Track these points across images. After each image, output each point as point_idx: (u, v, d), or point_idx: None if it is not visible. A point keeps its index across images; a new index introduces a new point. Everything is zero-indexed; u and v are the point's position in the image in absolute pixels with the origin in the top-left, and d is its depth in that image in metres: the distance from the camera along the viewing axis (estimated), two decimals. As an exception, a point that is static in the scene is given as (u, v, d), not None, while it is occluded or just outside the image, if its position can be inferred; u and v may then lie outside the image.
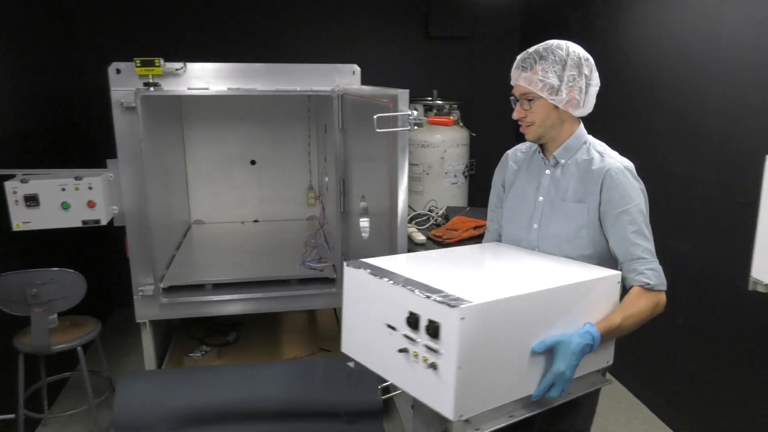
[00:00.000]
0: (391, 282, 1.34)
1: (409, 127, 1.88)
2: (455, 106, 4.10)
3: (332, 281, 3.08)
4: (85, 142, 3.82)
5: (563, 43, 1.58)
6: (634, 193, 1.55)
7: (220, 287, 3.00)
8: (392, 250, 2.06)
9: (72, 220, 2.68)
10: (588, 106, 1.60)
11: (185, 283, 2.98)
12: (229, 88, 2.82)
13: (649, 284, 1.50)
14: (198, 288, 2.99)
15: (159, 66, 2.67)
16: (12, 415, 2.12)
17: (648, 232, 1.56)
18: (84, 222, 2.70)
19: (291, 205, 4.06)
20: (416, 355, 1.26)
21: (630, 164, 1.60)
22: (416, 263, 1.62)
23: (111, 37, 3.97)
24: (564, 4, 4.02)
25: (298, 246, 3.47)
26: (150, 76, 2.69)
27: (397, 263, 1.51)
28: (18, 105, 3.05)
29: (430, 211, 3.44)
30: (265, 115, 3.90)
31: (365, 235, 2.50)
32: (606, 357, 1.53)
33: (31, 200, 2.60)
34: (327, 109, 3.23)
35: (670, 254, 2.96)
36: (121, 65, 2.70)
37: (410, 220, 3.23)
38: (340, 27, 4.34)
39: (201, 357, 3.21)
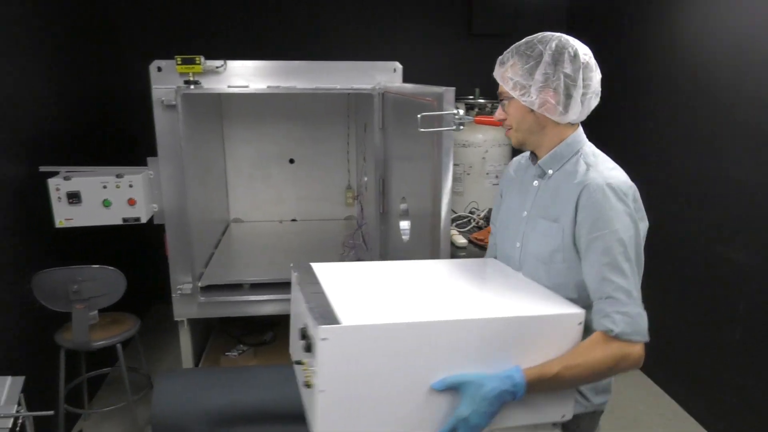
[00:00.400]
0: (302, 291, 1.31)
1: (454, 127, 1.80)
2: (498, 104, 3.98)
3: (370, 283, 3.02)
4: (127, 140, 3.86)
5: (552, 35, 1.38)
6: (615, 217, 1.26)
7: (257, 287, 2.97)
8: (434, 254, 1.98)
9: (113, 217, 2.69)
10: (573, 113, 1.38)
11: (223, 282, 2.96)
12: (268, 86, 2.79)
13: (612, 331, 1.22)
14: (236, 287, 2.97)
15: (199, 64, 2.66)
16: (51, 412, 2.13)
17: (628, 266, 1.25)
18: (124, 219, 2.70)
19: (329, 204, 4.02)
20: (305, 369, 1.18)
21: (618, 181, 1.30)
22: (359, 274, 1.52)
23: (153, 35, 4.01)
24: (614, -1, 3.86)
25: (336, 246, 3.42)
26: (190, 74, 2.67)
27: (337, 271, 1.47)
28: (62, 103, 3.10)
29: (471, 213, 3.35)
30: (304, 114, 3.87)
31: (405, 237, 2.43)
32: (561, 410, 1.31)
33: (74, 197, 2.62)
34: (367, 108, 3.17)
35: (726, 265, 2.79)
36: (162, 63, 2.70)
37: (451, 222, 3.14)
38: (381, 24, 4.28)
39: (238, 356, 3.19)
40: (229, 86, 2.77)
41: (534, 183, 1.48)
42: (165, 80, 2.71)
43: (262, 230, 3.91)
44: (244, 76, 2.79)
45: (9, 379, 2.20)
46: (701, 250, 3.00)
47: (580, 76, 1.35)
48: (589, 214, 1.29)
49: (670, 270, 3.22)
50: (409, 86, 2.27)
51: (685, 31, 3.11)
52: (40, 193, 2.65)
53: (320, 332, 1.08)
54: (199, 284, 2.89)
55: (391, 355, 1.14)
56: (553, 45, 1.36)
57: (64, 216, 2.65)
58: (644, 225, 1.32)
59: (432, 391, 1.17)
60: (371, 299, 1.33)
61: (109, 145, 3.64)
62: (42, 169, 2.75)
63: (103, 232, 2.83)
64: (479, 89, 3.94)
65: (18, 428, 2.13)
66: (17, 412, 2.12)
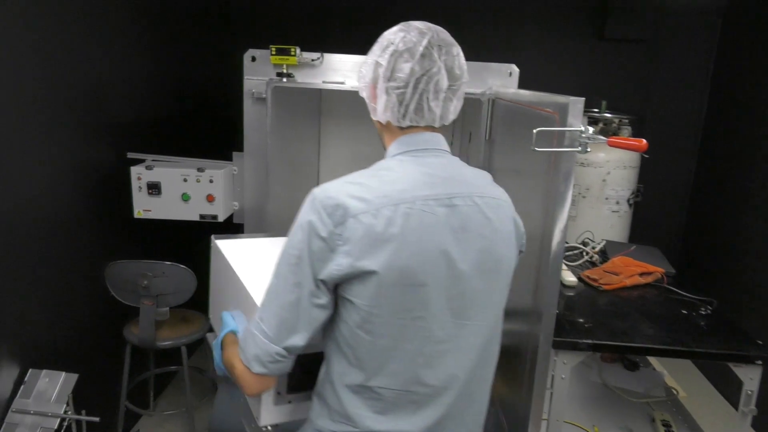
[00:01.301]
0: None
1: (578, 148, 1.41)
2: (626, 120, 3.46)
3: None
4: (220, 133, 3.76)
5: (408, 23, 1.14)
6: (295, 226, 1.09)
7: (333, 302, 2.71)
8: (539, 292, 1.60)
9: (190, 212, 2.54)
10: (380, 110, 1.14)
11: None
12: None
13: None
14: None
15: (294, 55, 2.43)
16: (96, 418, 1.99)
17: (272, 281, 1.10)
18: (201, 216, 2.55)
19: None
20: None
21: (323, 188, 1.09)
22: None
23: (261, 24, 3.88)
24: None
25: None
26: (284, 66, 2.46)
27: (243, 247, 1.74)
28: (158, 89, 3.02)
29: (584, 244, 2.88)
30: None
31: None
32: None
33: (154, 188, 2.50)
34: (474, 114, 2.81)
35: None
36: (257, 53, 2.51)
37: (559, 254, 2.70)
38: (497, 20, 3.89)
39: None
40: (324, 81, 2.53)
41: None
42: (258, 71, 2.53)
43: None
44: (341, 71, 2.54)
45: (62, 375, 2.09)
46: None
47: (388, 65, 1.11)
48: None
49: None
50: (525, 93, 1.90)
51: None
52: (125, 180, 2.56)
53: None
54: (273, 292, 2.68)
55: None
56: (389, 32, 1.15)
57: (143, 207, 2.53)
58: (335, 258, 1.04)
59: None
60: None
61: (202, 137, 3.55)
62: (130, 155, 2.66)
63: (181, 226, 2.70)
64: (606, 102, 3.44)
65: (64, 429, 2.01)
66: (64, 413, 2.00)
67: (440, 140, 1.18)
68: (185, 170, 2.49)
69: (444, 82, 1.11)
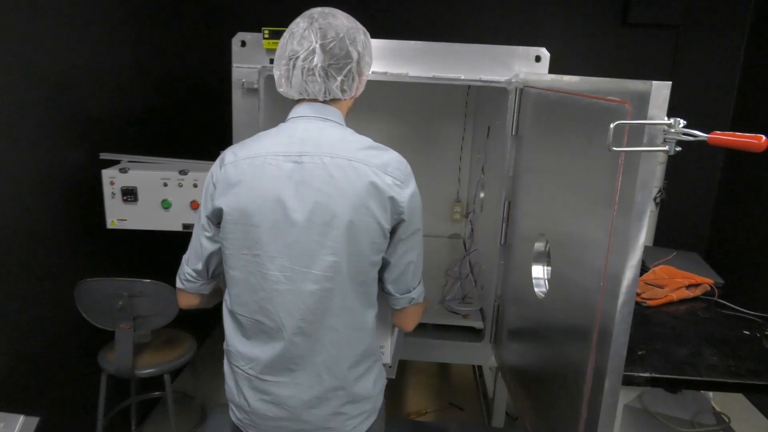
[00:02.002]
0: None
1: (666, 148, 1.10)
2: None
3: (478, 333, 2.35)
4: (208, 129, 3.41)
5: (311, 10, 1.31)
6: None
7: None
8: (601, 340, 1.29)
9: (172, 222, 2.21)
10: (277, 86, 1.35)
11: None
12: (372, 72, 2.18)
13: None
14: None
15: (290, 38, 2.10)
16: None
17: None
18: (185, 226, 2.22)
19: (432, 217, 3.34)
20: None
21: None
22: None
23: (241, 3, 3.52)
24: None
25: (437, 273, 2.78)
26: (278, 51, 2.13)
27: None
28: (139, 80, 2.67)
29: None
30: (411, 108, 3.23)
31: (540, 292, 1.74)
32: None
33: (129, 194, 2.16)
34: (493, 105, 2.49)
35: None
36: (248, 36, 2.17)
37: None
38: (514, 5, 3.56)
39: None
40: (324, 69, 2.19)
41: None
42: (249, 58, 2.19)
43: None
44: (343, 57, 2.20)
45: (21, 419, 1.76)
46: None
47: (280, 46, 1.31)
48: None
49: None
50: (572, 79, 1.58)
51: None
52: (98, 185, 2.22)
53: None
54: (268, 311, 2.36)
55: None
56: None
57: (117, 216, 2.20)
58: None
59: None
60: None
61: (189, 134, 3.19)
62: (103, 156, 2.33)
63: (162, 238, 2.37)
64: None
65: (21, 487, 1.68)
66: (21, 468, 1.67)
67: (321, 109, 1.30)
68: (165, 173, 2.16)
69: (317, 61, 1.24)
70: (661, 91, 1.11)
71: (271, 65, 2.15)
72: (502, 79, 2.14)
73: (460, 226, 3.37)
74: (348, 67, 1.28)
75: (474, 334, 2.36)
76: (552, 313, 1.66)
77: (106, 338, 2.28)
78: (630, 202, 1.16)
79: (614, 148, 1.09)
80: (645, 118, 1.13)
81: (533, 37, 2.90)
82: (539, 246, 1.79)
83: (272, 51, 2.14)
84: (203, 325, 3.45)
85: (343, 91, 1.30)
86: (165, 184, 2.16)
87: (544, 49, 2.16)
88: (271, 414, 1.34)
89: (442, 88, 3.15)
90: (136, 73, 2.65)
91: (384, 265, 1.34)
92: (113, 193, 2.17)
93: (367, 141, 1.32)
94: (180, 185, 2.16)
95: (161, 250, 2.75)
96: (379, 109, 3.24)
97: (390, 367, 1.60)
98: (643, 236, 1.17)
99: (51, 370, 2.19)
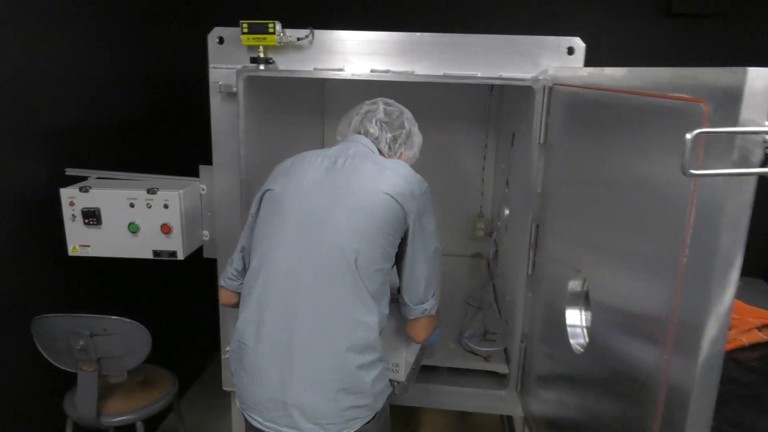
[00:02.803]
0: None
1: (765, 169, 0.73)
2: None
3: (502, 378, 1.98)
4: (187, 140, 2.89)
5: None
6: None
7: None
8: (668, 407, 0.92)
9: (141, 248, 1.90)
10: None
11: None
12: (372, 71, 1.85)
13: None
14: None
15: (273, 33, 1.78)
16: None
17: None
18: (156, 253, 1.91)
19: (451, 235, 2.97)
20: None
21: None
22: None
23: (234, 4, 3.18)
24: None
25: (455, 301, 2.41)
26: (260, 49, 1.81)
27: None
28: (110, 87, 2.38)
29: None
30: (425, 112, 2.82)
31: (577, 345, 1.37)
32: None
33: (91, 217, 1.87)
34: (519, 108, 2.12)
35: None
36: (226, 32, 1.86)
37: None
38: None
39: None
40: (316, 68, 1.86)
41: None
42: (228, 57, 1.88)
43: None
44: (339, 53, 1.87)
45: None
46: None
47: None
48: None
49: None
50: (617, 72, 1.20)
51: None
52: (60, 205, 1.93)
53: None
54: (255, 350, 2.04)
55: None
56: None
57: (79, 241, 1.91)
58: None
59: None
60: None
61: (166, 146, 2.76)
62: (69, 172, 2.04)
63: (131, 266, 2.07)
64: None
65: None
66: None
67: (364, 140, 1.55)
68: (131, 192, 1.86)
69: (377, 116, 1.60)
70: (758, 82, 0.74)
71: (251, 65, 1.83)
72: (527, 76, 1.77)
73: (483, 244, 2.99)
74: (395, 130, 1.60)
75: (497, 379, 1.99)
76: (593, 370, 1.29)
77: (74, 381, 1.99)
78: (711, 246, 0.79)
79: (693, 171, 0.72)
80: (732, 123, 0.76)
81: (562, 29, 2.52)
82: (575, 285, 1.41)
83: (253, 48, 1.82)
84: (192, 361, 3.12)
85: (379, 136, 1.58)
86: (131, 205, 1.86)
87: (578, 38, 1.79)
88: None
89: (459, 89, 2.79)
90: (110, 77, 2.36)
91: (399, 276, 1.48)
92: (74, 216, 1.87)
93: (387, 163, 1.50)
94: (148, 206, 1.85)
95: (130, 281, 2.45)
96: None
97: (405, 384, 1.65)
98: (731, 296, 0.80)
99: (11, 414, 1.90)
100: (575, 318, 1.42)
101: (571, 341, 1.39)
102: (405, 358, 1.63)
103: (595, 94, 1.31)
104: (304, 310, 1.34)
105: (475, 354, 2.02)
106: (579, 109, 1.47)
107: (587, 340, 1.35)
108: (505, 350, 2.06)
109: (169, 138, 2.71)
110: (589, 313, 1.37)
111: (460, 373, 2.02)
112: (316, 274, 1.34)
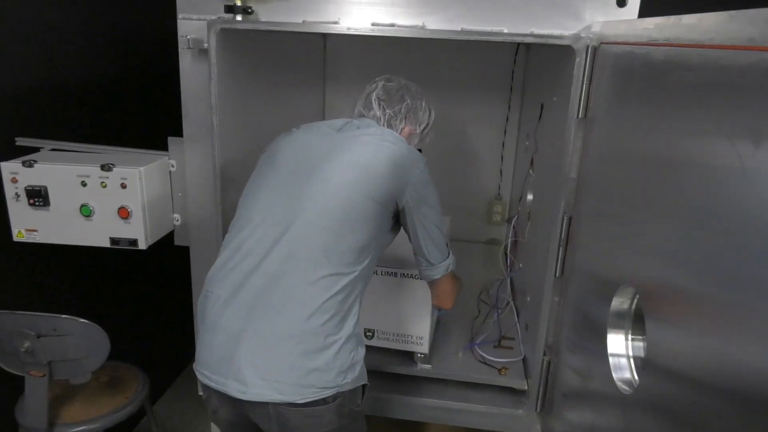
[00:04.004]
0: None
1: None
2: None
3: (520, 395, 1.68)
4: (159, 108, 2.58)
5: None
6: None
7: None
8: None
9: (96, 234, 1.61)
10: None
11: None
12: (374, 24, 1.51)
13: None
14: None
15: (252, -26, 1.44)
16: None
17: None
18: (114, 241, 1.61)
19: (464, 217, 2.62)
20: None
21: None
22: None
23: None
24: None
25: (467, 297, 2.09)
26: (236, -5, 1.48)
27: None
28: (58, 47, 2.04)
29: None
30: (437, 76, 2.49)
31: (622, 383, 1.05)
32: None
33: (37, 197, 1.57)
34: (552, 73, 1.77)
35: None
36: (198, -25, 1.53)
37: None
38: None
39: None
40: (305, 21, 1.53)
41: None
42: (200, 6, 1.55)
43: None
44: (335, 2, 1.53)
45: None
46: None
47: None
48: None
49: None
50: (704, 20, 0.85)
51: None
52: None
53: None
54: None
55: None
56: None
57: (25, 225, 1.62)
58: None
59: None
60: None
61: (136, 115, 2.33)
62: (19, 142, 1.74)
63: (88, 255, 1.77)
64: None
65: None
66: None
67: (368, 122, 1.49)
68: (83, 168, 1.56)
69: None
70: None
71: (226, 15, 1.50)
72: (567, 33, 1.42)
73: (500, 230, 2.67)
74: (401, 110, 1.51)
75: (514, 395, 1.70)
76: (648, 419, 0.98)
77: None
78: None
79: None
80: None
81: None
82: (621, 303, 1.10)
83: (228, -6, 1.49)
84: (166, 362, 2.73)
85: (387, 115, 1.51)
86: (83, 184, 1.56)
87: (632, -16, 1.43)
88: None
89: (479, 50, 2.43)
90: (71, 31, 2.03)
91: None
92: (17, 194, 1.58)
93: (384, 133, 1.44)
94: (103, 185, 1.55)
95: (91, 272, 2.12)
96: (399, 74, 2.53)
97: (427, 355, 1.72)
98: None
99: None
100: (619, 345, 1.11)
101: (615, 376, 1.08)
102: (429, 330, 1.69)
103: (663, 52, 0.97)
104: (277, 261, 1.26)
105: (488, 365, 1.73)
106: (636, 73, 1.12)
107: (637, 379, 1.04)
108: (524, 360, 1.76)
109: (141, 104, 2.36)
110: (642, 342, 1.05)
111: (471, 386, 1.72)
112: (294, 229, 1.28)
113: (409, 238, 1.44)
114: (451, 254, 1.49)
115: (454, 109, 2.49)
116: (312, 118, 2.57)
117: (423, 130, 1.54)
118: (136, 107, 2.32)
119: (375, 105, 1.49)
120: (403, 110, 1.49)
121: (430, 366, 1.73)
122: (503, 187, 2.60)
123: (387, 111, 1.48)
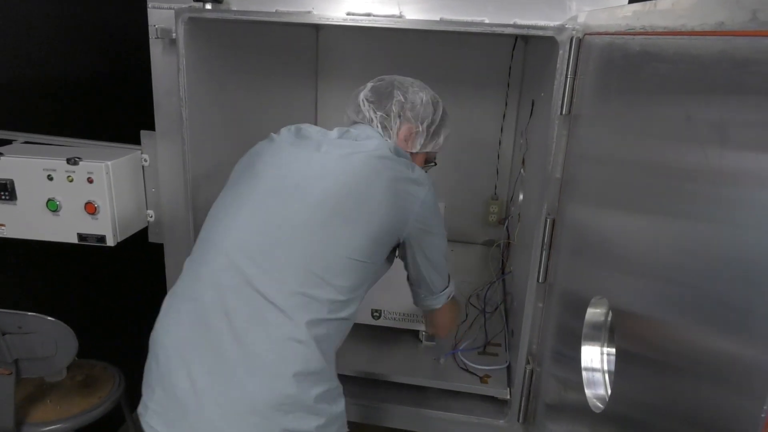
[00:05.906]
0: None
1: None
2: None
3: (502, 404, 1.61)
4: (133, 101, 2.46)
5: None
6: None
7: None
8: None
9: (63, 230, 1.56)
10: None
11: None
12: (349, 13, 1.43)
13: None
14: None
15: (222, -39, 1.38)
16: None
17: None
18: (81, 237, 1.56)
19: (461, 218, 2.54)
20: None
21: None
22: None
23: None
24: None
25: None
26: (207, -18, 1.42)
27: None
28: (33, 37, 2.00)
29: None
30: (430, 69, 2.39)
31: (594, 399, 0.98)
32: None
33: (3, 190, 1.53)
34: (540, 68, 1.69)
35: None
36: (169, -39, 1.47)
37: None
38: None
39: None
40: (278, 10, 1.46)
41: None
42: (174, -6, 1.49)
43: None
44: (312, -9, 1.46)
45: None
46: None
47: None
48: None
49: None
50: (686, 4, 0.77)
51: None
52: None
53: None
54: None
55: None
56: None
57: (-7, 219, 1.58)
58: None
59: None
60: None
61: (113, 108, 2.25)
62: (-7, 133, 1.71)
63: (56, 251, 1.72)
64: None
65: None
66: None
67: (364, 128, 1.37)
68: (49, 161, 1.51)
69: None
70: None
71: (196, 4, 1.44)
72: (551, 23, 1.34)
73: (497, 231, 2.58)
74: (393, 110, 1.38)
75: (496, 405, 1.62)
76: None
77: None
78: None
79: None
80: None
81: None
82: (595, 314, 1.02)
83: (197, -19, 1.43)
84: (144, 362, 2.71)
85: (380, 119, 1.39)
86: (50, 177, 1.51)
87: (623, -28, 1.34)
88: None
89: (475, 45, 2.34)
90: (47, 24, 1.99)
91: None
92: (-16, 188, 1.54)
93: (374, 139, 1.34)
94: (69, 179, 1.50)
95: (53, 270, 2.05)
96: (389, 69, 2.46)
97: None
98: None
99: None
100: (593, 358, 1.03)
101: (587, 392, 1.00)
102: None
103: (639, 42, 0.89)
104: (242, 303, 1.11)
105: (470, 372, 1.65)
106: (616, 66, 1.04)
107: (609, 393, 0.96)
108: (509, 368, 1.68)
109: (121, 97, 2.30)
110: (613, 355, 0.97)
111: (452, 395, 1.65)
112: (264, 260, 1.13)
113: (406, 268, 1.33)
114: (451, 280, 1.42)
115: (452, 106, 2.39)
116: (303, 115, 2.50)
117: (429, 126, 1.40)
118: (115, 100, 2.26)
119: (364, 108, 1.37)
120: (395, 108, 1.36)
121: (434, 343, 1.77)
122: (500, 186, 2.51)
123: (378, 113, 1.36)
